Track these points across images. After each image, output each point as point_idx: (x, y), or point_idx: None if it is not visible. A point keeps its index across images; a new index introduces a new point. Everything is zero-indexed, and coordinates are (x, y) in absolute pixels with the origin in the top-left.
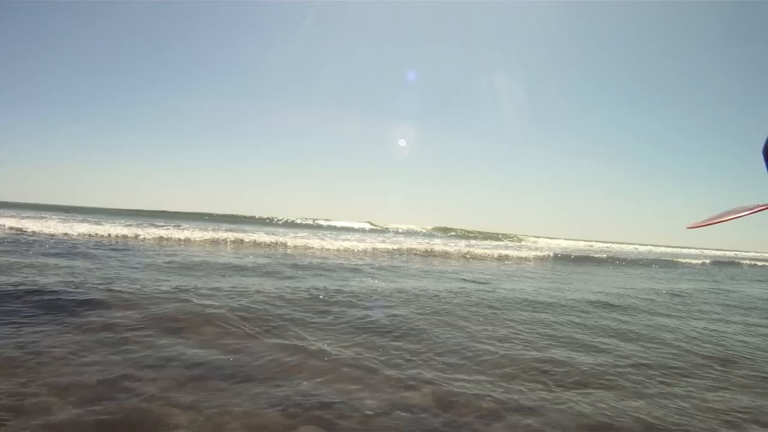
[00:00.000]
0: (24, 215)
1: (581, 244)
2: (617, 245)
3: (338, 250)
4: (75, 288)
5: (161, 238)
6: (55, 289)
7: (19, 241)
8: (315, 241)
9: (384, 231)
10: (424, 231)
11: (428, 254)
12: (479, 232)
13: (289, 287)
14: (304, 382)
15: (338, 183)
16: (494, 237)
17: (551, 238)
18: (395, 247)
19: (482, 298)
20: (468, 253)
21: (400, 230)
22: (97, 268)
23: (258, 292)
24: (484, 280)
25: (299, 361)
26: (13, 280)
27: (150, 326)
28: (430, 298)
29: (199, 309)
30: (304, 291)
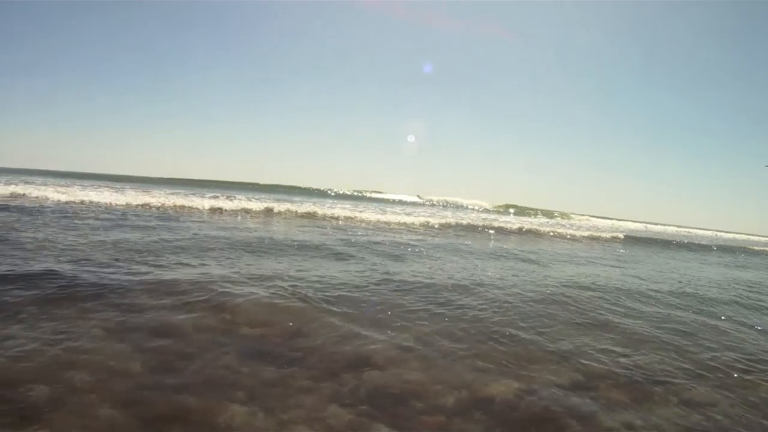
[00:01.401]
0: (62, 183)
1: (632, 225)
2: (664, 227)
3: (415, 225)
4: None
5: (218, 209)
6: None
7: (73, 212)
8: (390, 216)
9: (447, 206)
10: (482, 207)
11: (519, 232)
12: (535, 210)
13: (360, 272)
14: None
15: (386, 156)
16: (549, 214)
17: (601, 218)
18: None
19: (621, 293)
20: (553, 232)
21: (463, 205)
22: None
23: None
24: (606, 268)
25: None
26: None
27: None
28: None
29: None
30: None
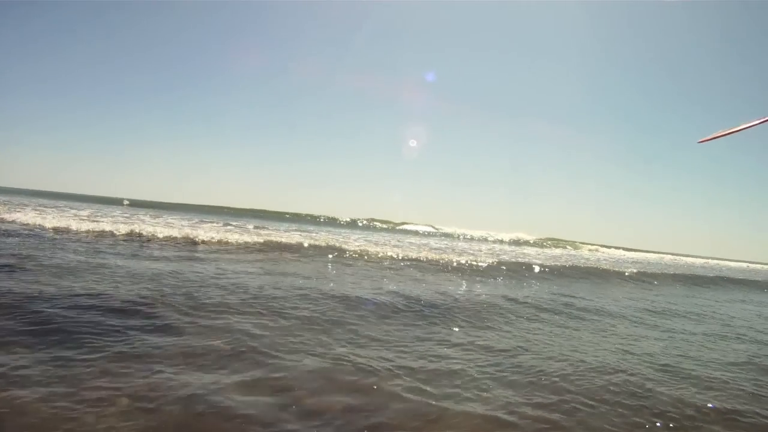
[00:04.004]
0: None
1: (649, 256)
2: (674, 257)
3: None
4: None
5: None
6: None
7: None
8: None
9: (479, 239)
10: (501, 239)
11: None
12: (551, 240)
13: (462, 350)
14: None
15: (400, 185)
16: (558, 244)
17: (607, 246)
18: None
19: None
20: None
21: (484, 237)
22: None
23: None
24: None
25: None
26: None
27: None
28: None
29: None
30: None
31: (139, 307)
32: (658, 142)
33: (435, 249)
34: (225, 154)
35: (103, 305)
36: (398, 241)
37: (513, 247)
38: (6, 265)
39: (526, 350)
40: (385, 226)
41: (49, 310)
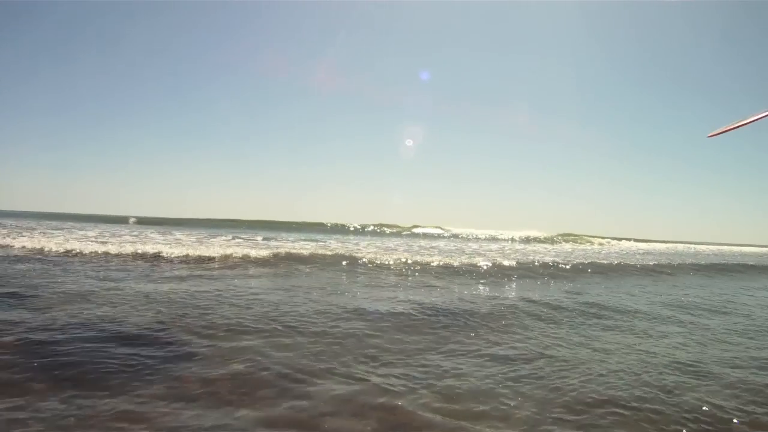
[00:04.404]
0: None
1: (658, 246)
2: (685, 245)
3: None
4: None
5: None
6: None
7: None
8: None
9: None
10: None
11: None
12: (562, 235)
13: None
14: None
15: (408, 188)
16: (573, 238)
17: (618, 239)
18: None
19: None
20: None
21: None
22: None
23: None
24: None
25: None
26: None
27: None
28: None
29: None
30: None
31: (155, 333)
32: (661, 135)
33: (445, 252)
34: (226, 166)
35: (117, 333)
36: (408, 245)
37: (523, 245)
38: (16, 294)
39: (547, 357)
40: (394, 230)
41: (62, 340)
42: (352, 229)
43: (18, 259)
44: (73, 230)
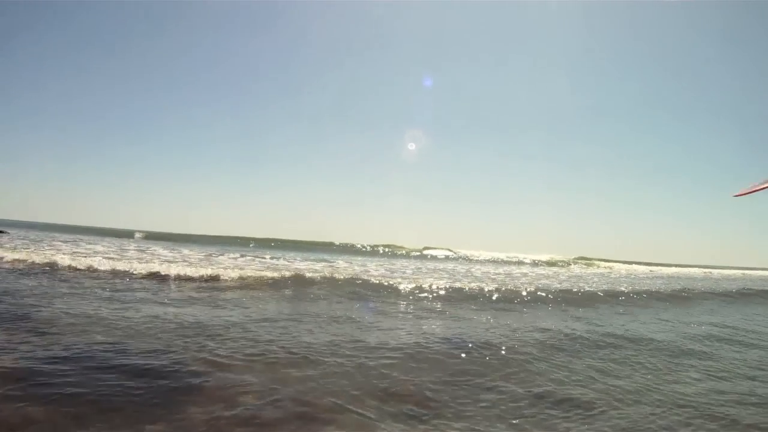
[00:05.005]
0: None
1: (688, 270)
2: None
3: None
4: None
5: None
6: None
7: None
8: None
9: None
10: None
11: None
12: (580, 259)
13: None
14: None
15: (421, 209)
16: (578, 262)
17: (616, 262)
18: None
19: None
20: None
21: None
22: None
23: None
24: None
25: None
26: None
27: None
28: None
29: None
30: None
31: (160, 362)
32: (670, 152)
33: (455, 275)
34: (234, 182)
35: (122, 361)
36: (417, 267)
37: (533, 269)
38: (21, 313)
39: (572, 401)
40: (403, 252)
41: (64, 368)
42: (363, 249)
43: (24, 273)
44: (80, 243)
